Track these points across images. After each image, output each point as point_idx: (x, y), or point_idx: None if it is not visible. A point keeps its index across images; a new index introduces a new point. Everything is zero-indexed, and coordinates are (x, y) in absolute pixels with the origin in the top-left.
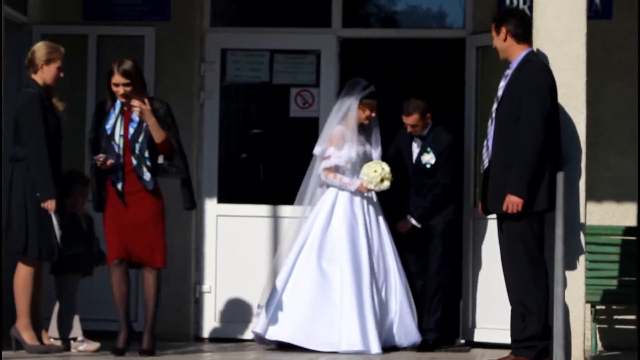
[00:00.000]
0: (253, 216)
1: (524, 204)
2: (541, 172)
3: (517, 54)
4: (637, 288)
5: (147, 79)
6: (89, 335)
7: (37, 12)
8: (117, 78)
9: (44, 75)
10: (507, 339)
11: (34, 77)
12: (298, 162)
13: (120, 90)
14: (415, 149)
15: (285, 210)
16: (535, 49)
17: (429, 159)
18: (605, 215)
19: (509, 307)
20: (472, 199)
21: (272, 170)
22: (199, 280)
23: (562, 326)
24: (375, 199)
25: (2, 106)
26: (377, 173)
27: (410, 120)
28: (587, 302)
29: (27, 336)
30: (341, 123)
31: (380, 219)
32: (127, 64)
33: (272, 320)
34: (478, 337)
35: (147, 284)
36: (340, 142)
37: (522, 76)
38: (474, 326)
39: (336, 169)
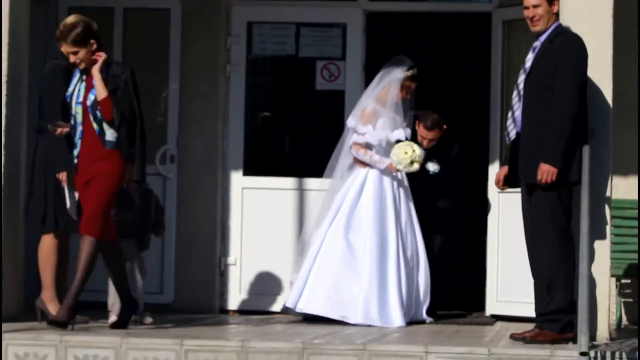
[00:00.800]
0: (279, 189)
1: (557, 174)
2: (576, 142)
3: (550, 26)
4: None
5: (172, 53)
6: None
7: None
8: (65, 47)
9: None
10: (532, 313)
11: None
12: (324, 135)
13: (72, 58)
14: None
15: (311, 182)
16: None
17: (434, 168)
18: (630, 188)
19: (532, 281)
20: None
21: (298, 143)
22: (225, 253)
23: (587, 300)
24: (405, 181)
25: (23, 80)
26: (407, 155)
27: (430, 135)
28: (612, 275)
29: (53, 307)
30: (377, 98)
31: (409, 200)
32: (74, 31)
33: (301, 293)
34: (503, 310)
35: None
36: (372, 119)
37: (556, 47)
38: (498, 299)
39: (367, 146)
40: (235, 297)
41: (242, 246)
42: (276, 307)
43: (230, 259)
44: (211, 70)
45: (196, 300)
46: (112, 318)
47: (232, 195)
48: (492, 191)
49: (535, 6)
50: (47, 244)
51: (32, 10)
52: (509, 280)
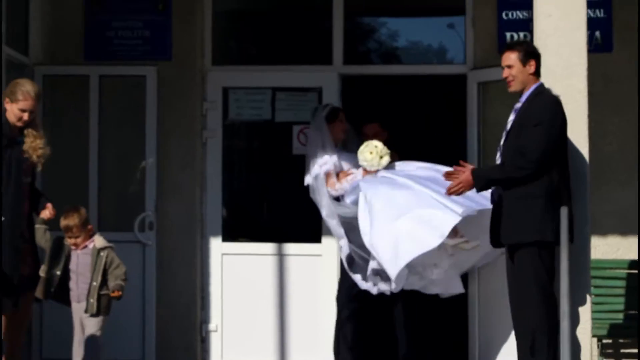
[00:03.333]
0: (258, 254)
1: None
2: (503, 184)
3: (530, 87)
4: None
5: (149, 119)
6: None
7: (38, 53)
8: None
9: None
10: None
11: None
12: (302, 200)
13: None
14: None
15: (290, 247)
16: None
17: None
18: (609, 249)
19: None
20: None
21: (276, 208)
22: (205, 319)
23: None
24: None
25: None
26: (373, 154)
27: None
28: (593, 335)
29: None
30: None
31: None
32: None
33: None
34: None
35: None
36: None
37: (531, 107)
38: (481, 358)
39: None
40: None
41: (222, 312)
42: None
43: (212, 326)
44: (188, 136)
45: None
46: None
47: (211, 261)
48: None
49: (508, 67)
50: None
51: (6, 78)
52: (491, 340)
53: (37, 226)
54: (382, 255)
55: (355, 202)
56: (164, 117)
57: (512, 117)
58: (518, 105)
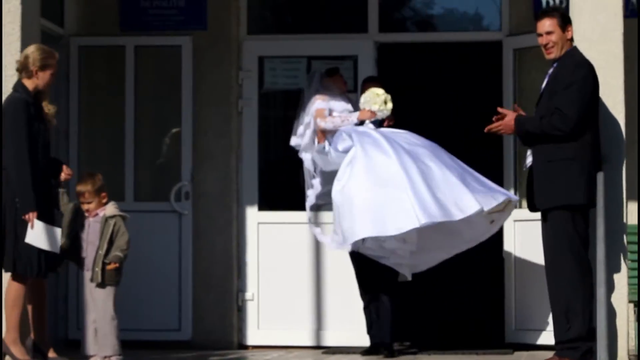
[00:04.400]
0: (294, 223)
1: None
2: (537, 140)
3: (564, 52)
4: None
5: (185, 89)
6: None
7: (74, 24)
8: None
9: (38, 81)
10: (549, 341)
11: (24, 81)
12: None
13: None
14: None
15: (326, 216)
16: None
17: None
18: None
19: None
20: None
21: None
22: (242, 288)
23: (606, 327)
24: None
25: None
26: (379, 96)
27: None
28: (630, 301)
29: (16, 350)
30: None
31: None
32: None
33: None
34: (521, 338)
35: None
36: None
37: (563, 70)
38: (516, 327)
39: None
40: (254, 332)
41: (259, 281)
42: (294, 341)
43: (248, 294)
44: (223, 105)
45: (214, 336)
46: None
47: (247, 230)
48: (508, 220)
49: (548, 33)
50: (13, 288)
51: None
52: (527, 308)
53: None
54: (342, 219)
55: (346, 150)
56: (200, 87)
57: (545, 81)
58: (550, 70)
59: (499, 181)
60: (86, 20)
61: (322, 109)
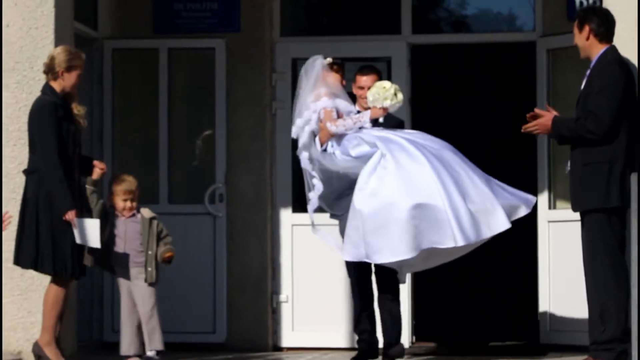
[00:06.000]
0: (329, 224)
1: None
2: (576, 142)
3: (596, 52)
4: None
5: (218, 91)
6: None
7: (107, 27)
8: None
9: (64, 82)
10: (585, 342)
11: (52, 83)
12: None
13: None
14: None
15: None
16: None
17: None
18: None
19: (586, 309)
20: (548, 201)
21: None
22: (276, 290)
23: None
24: None
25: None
26: (386, 89)
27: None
28: None
29: (49, 351)
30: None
31: None
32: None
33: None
34: (555, 339)
35: None
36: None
37: (596, 74)
38: (550, 328)
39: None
40: (288, 334)
41: (293, 283)
42: (329, 343)
43: (282, 297)
44: (257, 107)
45: (249, 338)
46: None
47: (282, 233)
48: (542, 220)
49: (573, 36)
50: (54, 291)
51: None
52: (561, 309)
53: (86, 187)
54: (367, 234)
55: (360, 157)
56: (233, 89)
57: (583, 83)
58: (588, 71)
59: (533, 183)
60: (119, 23)
61: (330, 111)
